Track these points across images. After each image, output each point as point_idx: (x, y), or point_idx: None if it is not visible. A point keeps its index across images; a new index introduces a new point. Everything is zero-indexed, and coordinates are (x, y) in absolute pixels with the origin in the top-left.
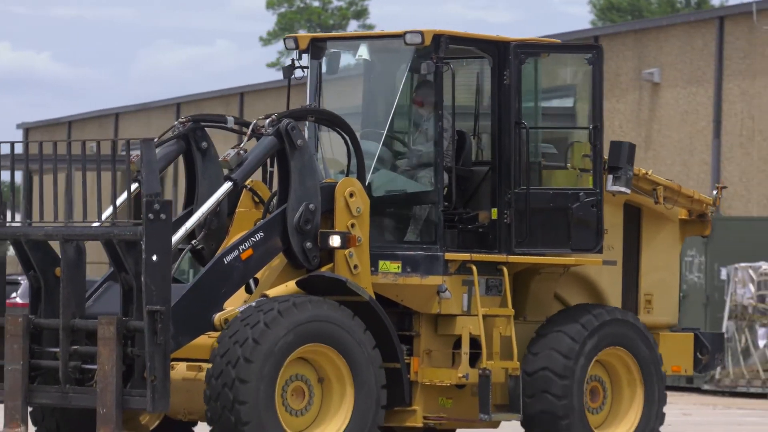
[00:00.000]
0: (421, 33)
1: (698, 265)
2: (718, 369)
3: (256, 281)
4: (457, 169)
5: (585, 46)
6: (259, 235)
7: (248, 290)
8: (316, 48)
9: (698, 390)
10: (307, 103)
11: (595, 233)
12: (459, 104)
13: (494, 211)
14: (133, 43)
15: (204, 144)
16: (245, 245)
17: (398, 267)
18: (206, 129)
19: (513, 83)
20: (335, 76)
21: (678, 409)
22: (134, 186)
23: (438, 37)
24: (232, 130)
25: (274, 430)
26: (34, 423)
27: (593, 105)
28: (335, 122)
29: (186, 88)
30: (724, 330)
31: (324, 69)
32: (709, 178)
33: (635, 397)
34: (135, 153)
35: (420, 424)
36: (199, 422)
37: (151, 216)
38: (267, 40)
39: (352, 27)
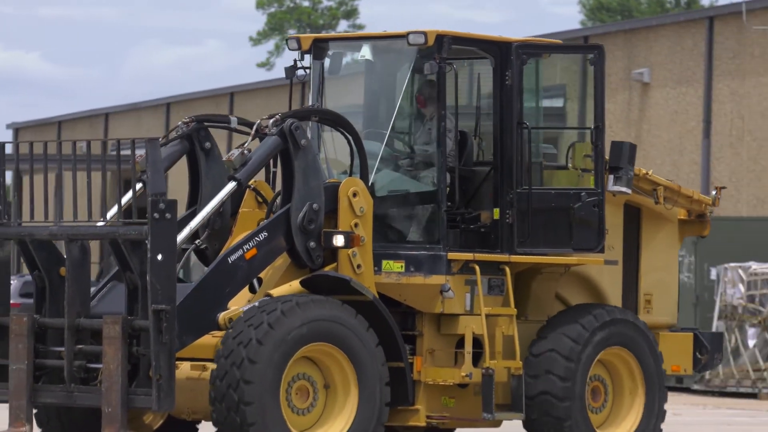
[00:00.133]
0: (425, 33)
1: (688, 265)
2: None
3: (260, 281)
4: (459, 169)
5: (587, 47)
6: (263, 235)
7: (252, 289)
8: (318, 48)
9: (688, 390)
10: (310, 103)
11: (597, 233)
12: (460, 104)
13: (496, 211)
14: (122, 42)
15: (207, 144)
16: (249, 245)
17: (401, 266)
18: (209, 129)
19: (515, 83)
20: (337, 77)
21: (668, 408)
22: (127, 187)
23: (441, 38)
24: (235, 130)
25: (280, 430)
26: (39, 425)
27: (595, 105)
28: (339, 122)
29: (176, 88)
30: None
31: (326, 69)
32: (699, 178)
33: (636, 395)
34: (139, 153)
35: (423, 424)
36: (203, 421)
37: (156, 215)
38: (257, 40)
39: (342, 27)
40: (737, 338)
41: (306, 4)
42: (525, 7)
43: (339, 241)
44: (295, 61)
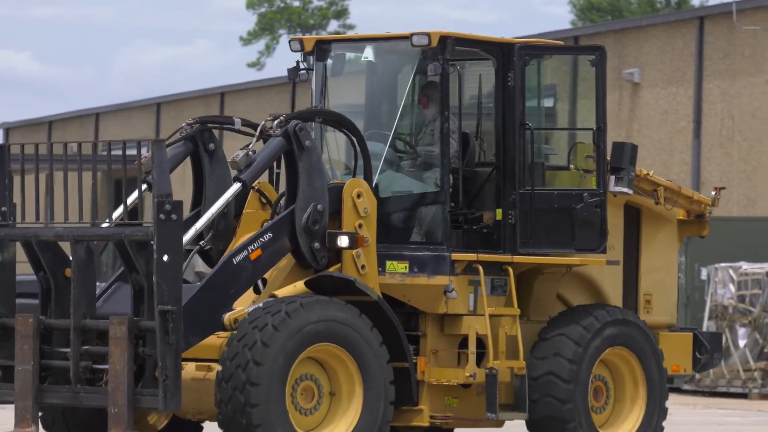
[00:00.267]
0: (428, 35)
1: (678, 265)
2: None
3: (264, 281)
4: (462, 170)
5: (588, 48)
6: (267, 236)
7: (256, 290)
8: (320, 50)
9: (678, 390)
10: (312, 104)
11: (599, 233)
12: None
13: (499, 212)
14: (113, 42)
15: (211, 145)
16: (254, 246)
17: (405, 267)
18: (213, 130)
19: (517, 84)
20: (340, 78)
21: None
22: (119, 188)
23: (444, 39)
24: (239, 131)
25: (286, 431)
26: (45, 427)
27: (596, 106)
28: (342, 123)
29: (166, 88)
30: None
31: (329, 70)
32: (689, 178)
33: (638, 394)
34: (145, 154)
35: (427, 424)
36: (208, 422)
37: (162, 216)
38: (247, 40)
39: (333, 27)
40: (728, 338)
41: (296, 4)
42: (517, 7)
43: (343, 241)
44: (297, 62)
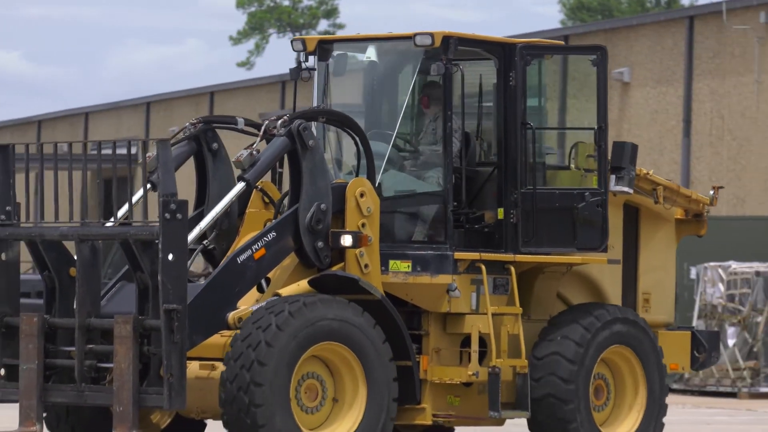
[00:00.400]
0: (432, 35)
1: None
2: None
3: (268, 280)
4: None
5: (590, 47)
6: (271, 235)
7: (260, 289)
8: (323, 50)
9: (668, 389)
10: (314, 104)
11: (601, 232)
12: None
13: (500, 211)
14: (102, 42)
15: (215, 145)
16: (258, 245)
17: (408, 266)
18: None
19: (519, 84)
20: (342, 78)
21: None
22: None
23: (447, 39)
24: (242, 131)
25: (290, 430)
26: (49, 428)
27: (598, 106)
28: (346, 123)
29: (156, 87)
30: None
31: (331, 70)
32: (679, 177)
33: (638, 391)
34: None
35: (429, 422)
36: (211, 420)
37: (167, 216)
38: (237, 40)
39: (323, 26)
40: None
41: (286, 3)
42: (505, 6)
43: (347, 241)
44: (299, 62)
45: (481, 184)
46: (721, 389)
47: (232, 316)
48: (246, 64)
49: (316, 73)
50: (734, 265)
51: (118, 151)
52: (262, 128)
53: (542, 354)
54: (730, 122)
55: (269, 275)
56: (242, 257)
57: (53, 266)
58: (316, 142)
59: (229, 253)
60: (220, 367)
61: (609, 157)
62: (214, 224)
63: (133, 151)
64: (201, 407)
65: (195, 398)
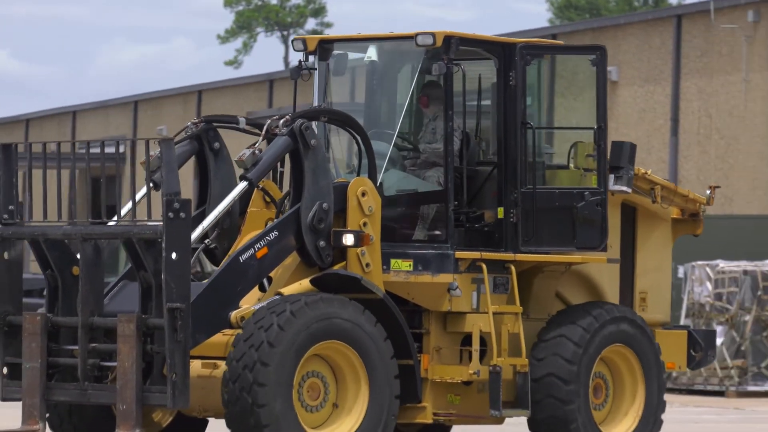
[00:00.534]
0: (433, 35)
1: None
2: None
3: (270, 279)
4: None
5: (589, 47)
6: (273, 234)
7: (261, 288)
8: (323, 49)
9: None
10: (315, 104)
11: (600, 231)
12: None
13: (500, 210)
14: (90, 40)
15: (216, 144)
16: (260, 244)
17: (410, 265)
18: (218, 130)
19: (518, 84)
20: (342, 77)
21: None
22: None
23: (449, 39)
24: (243, 130)
25: (294, 430)
26: (52, 427)
27: (597, 106)
28: (347, 122)
29: (144, 86)
30: None
31: (331, 70)
32: (667, 176)
33: (637, 389)
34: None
35: (430, 421)
36: (213, 419)
37: (170, 215)
38: (225, 38)
39: (310, 25)
40: None
41: (274, 2)
42: (494, 5)
43: (348, 240)
44: (300, 62)
45: (481, 183)
46: (709, 388)
47: (234, 315)
48: (234, 62)
49: (316, 72)
50: (722, 263)
51: (107, 150)
52: (264, 128)
53: (542, 355)
54: (717, 121)
55: (271, 274)
56: (244, 256)
57: (56, 265)
58: (318, 141)
59: (231, 252)
60: (223, 365)
61: (608, 157)
62: (216, 223)
63: (122, 150)
64: (203, 406)
65: (197, 397)
